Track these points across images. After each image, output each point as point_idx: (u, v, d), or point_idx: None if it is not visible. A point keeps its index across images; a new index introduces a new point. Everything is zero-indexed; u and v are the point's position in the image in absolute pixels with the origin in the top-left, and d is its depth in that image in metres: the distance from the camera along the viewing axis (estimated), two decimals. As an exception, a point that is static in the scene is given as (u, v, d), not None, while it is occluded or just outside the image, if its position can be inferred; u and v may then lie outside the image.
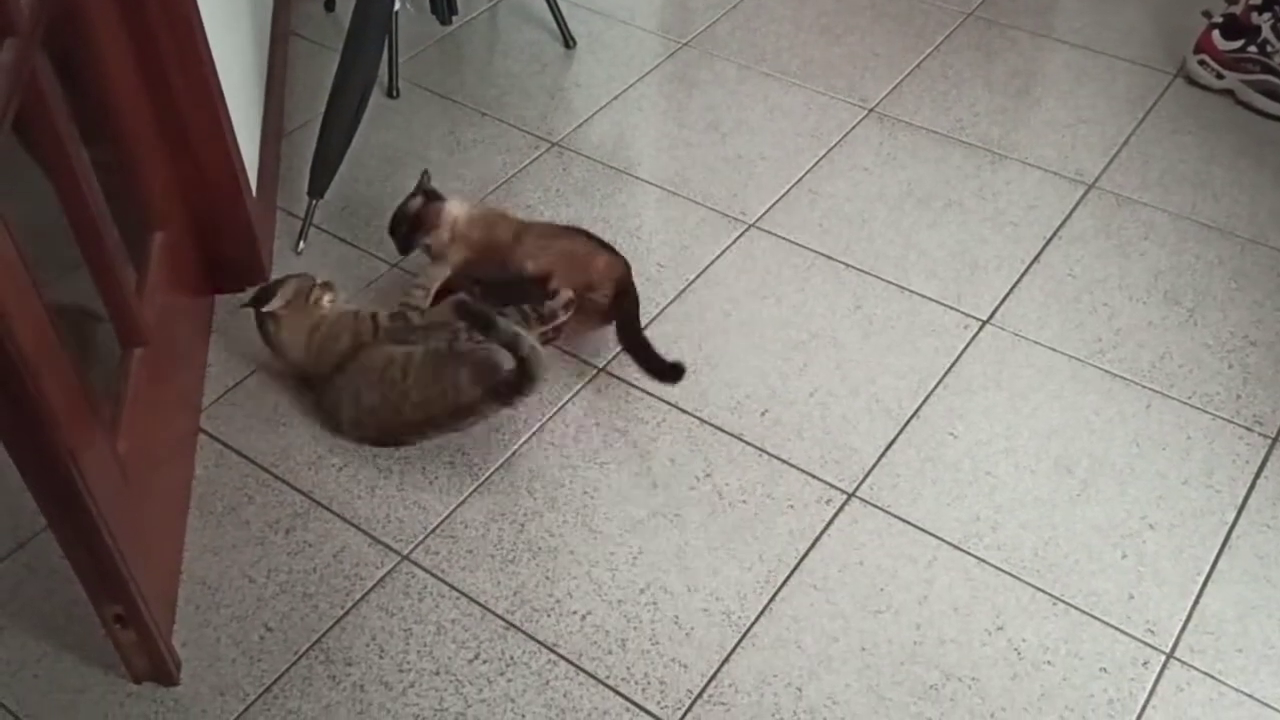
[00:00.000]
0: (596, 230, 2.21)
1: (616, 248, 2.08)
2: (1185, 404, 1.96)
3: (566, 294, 1.94)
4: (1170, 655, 1.63)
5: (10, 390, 1.23)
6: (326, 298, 1.96)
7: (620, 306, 1.99)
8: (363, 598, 1.70)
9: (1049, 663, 1.62)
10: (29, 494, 1.37)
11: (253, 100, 2.31)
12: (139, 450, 1.57)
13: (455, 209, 2.06)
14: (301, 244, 2.24)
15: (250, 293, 1.98)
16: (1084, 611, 1.68)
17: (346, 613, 1.69)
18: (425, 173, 2.11)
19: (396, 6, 2.53)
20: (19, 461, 1.31)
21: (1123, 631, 1.66)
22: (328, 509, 1.82)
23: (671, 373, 1.93)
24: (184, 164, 1.93)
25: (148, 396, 1.67)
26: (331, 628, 1.67)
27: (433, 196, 2.07)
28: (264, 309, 1.91)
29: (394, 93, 2.62)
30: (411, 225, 2.05)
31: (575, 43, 2.78)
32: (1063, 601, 1.69)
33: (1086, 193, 2.37)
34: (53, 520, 1.40)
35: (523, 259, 2.00)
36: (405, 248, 2.08)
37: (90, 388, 1.41)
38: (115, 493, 1.45)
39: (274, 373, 2.01)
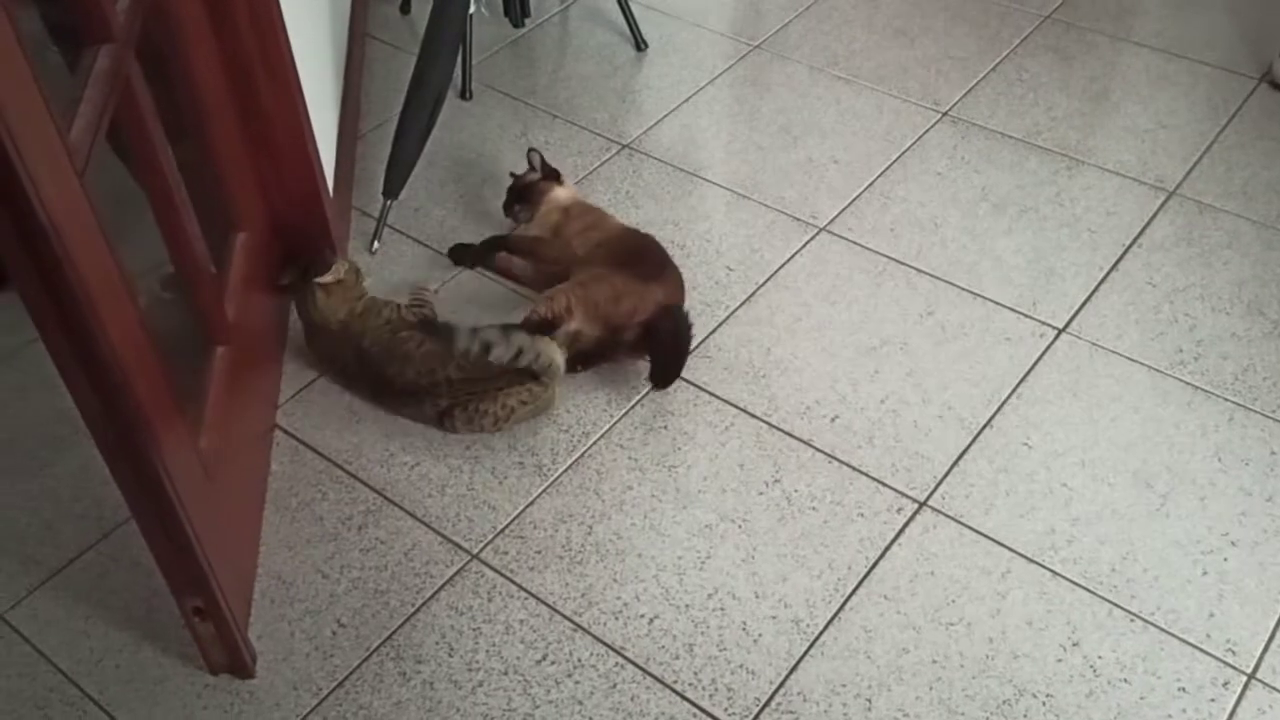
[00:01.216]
0: (666, 234, 2.22)
1: (671, 275, 2.07)
2: (1269, 418, 1.91)
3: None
4: (1252, 676, 1.59)
5: (101, 389, 1.26)
6: (366, 281, 2.07)
7: (652, 348, 1.98)
8: (433, 596, 1.72)
9: (1126, 680, 1.59)
10: (112, 486, 1.40)
11: (330, 102, 2.34)
12: (219, 446, 1.60)
13: (559, 195, 2.19)
14: (376, 244, 2.27)
15: (291, 270, 2.02)
16: (1162, 629, 1.64)
17: (417, 610, 1.70)
18: (534, 151, 2.22)
19: (471, 10, 2.55)
20: (107, 456, 1.35)
21: (1202, 650, 1.62)
22: (399, 506, 1.84)
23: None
24: (265, 164, 1.96)
25: (228, 394, 1.70)
26: (402, 625, 1.69)
27: (550, 176, 2.22)
28: (319, 279, 1.97)
29: (467, 94, 2.64)
30: (519, 195, 2.22)
31: (647, 45, 2.79)
32: (1140, 618, 1.66)
33: (1167, 200, 2.33)
34: (138, 514, 1.44)
35: (549, 295, 1.99)
36: (506, 210, 2.25)
37: (176, 386, 1.44)
38: (197, 488, 1.48)
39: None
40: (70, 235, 1.15)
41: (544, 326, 1.95)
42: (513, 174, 2.26)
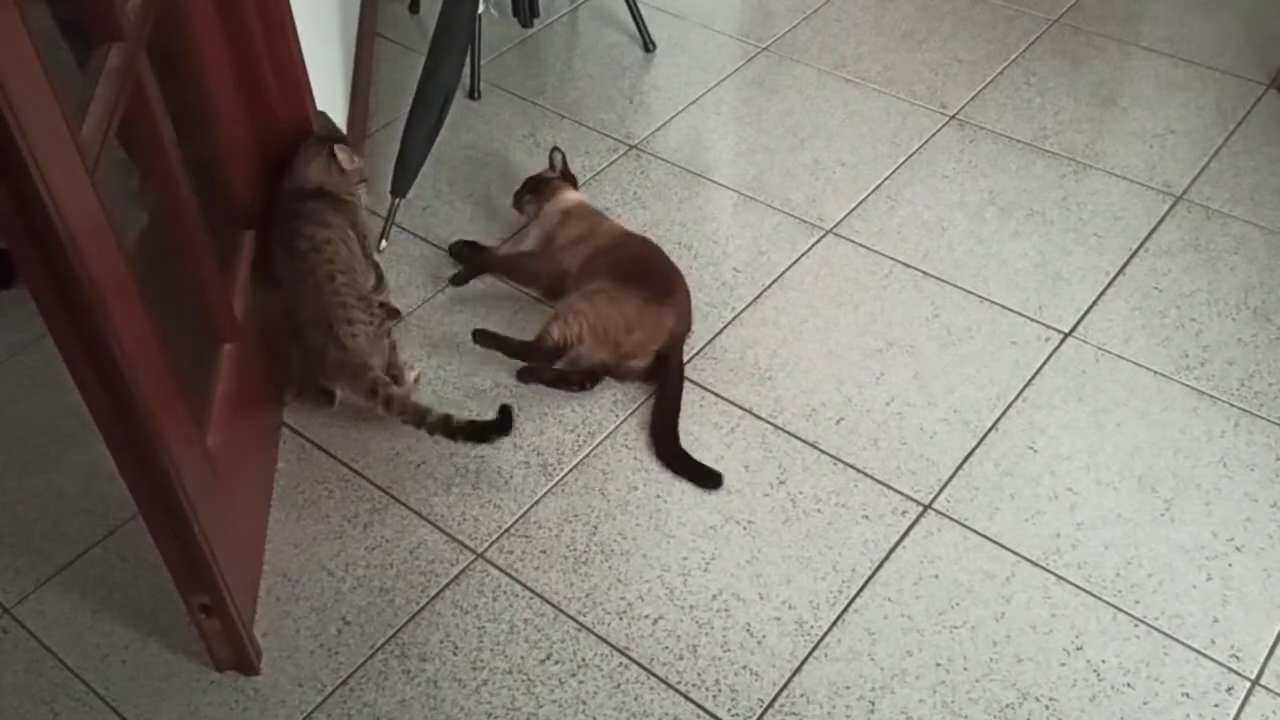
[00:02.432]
0: (672, 235, 2.22)
1: (680, 289, 2.05)
2: (1275, 424, 1.91)
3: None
4: (1256, 682, 1.59)
5: (109, 385, 1.26)
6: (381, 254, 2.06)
7: (660, 374, 1.98)
8: (438, 594, 1.72)
9: (1129, 685, 1.59)
10: (119, 482, 1.40)
11: (339, 101, 2.35)
12: (227, 444, 1.61)
13: (567, 197, 2.20)
14: (384, 243, 2.28)
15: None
16: (1166, 634, 1.64)
17: (421, 609, 1.71)
18: (557, 151, 2.24)
19: (480, 9, 2.55)
20: (116, 454, 1.35)
21: (1206, 656, 1.62)
22: (405, 505, 1.84)
23: (708, 479, 1.87)
24: (273, 162, 1.96)
25: (236, 392, 1.70)
26: (407, 623, 1.69)
27: (566, 178, 2.24)
28: (339, 149, 1.92)
29: (475, 94, 2.65)
30: (531, 187, 2.24)
31: (655, 46, 2.79)
32: (1144, 623, 1.66)
33: (1174, 205, 2.33)
34: (145, 511, 1.44)
35: (560, 315, 1.97)
36: (516, 202, 2.27)
37: (184, 384, 1.45)
38: (204, 485, 1.48)
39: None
40: (80, 232, 1.16)
41: (556, 353, 1.96)
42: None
